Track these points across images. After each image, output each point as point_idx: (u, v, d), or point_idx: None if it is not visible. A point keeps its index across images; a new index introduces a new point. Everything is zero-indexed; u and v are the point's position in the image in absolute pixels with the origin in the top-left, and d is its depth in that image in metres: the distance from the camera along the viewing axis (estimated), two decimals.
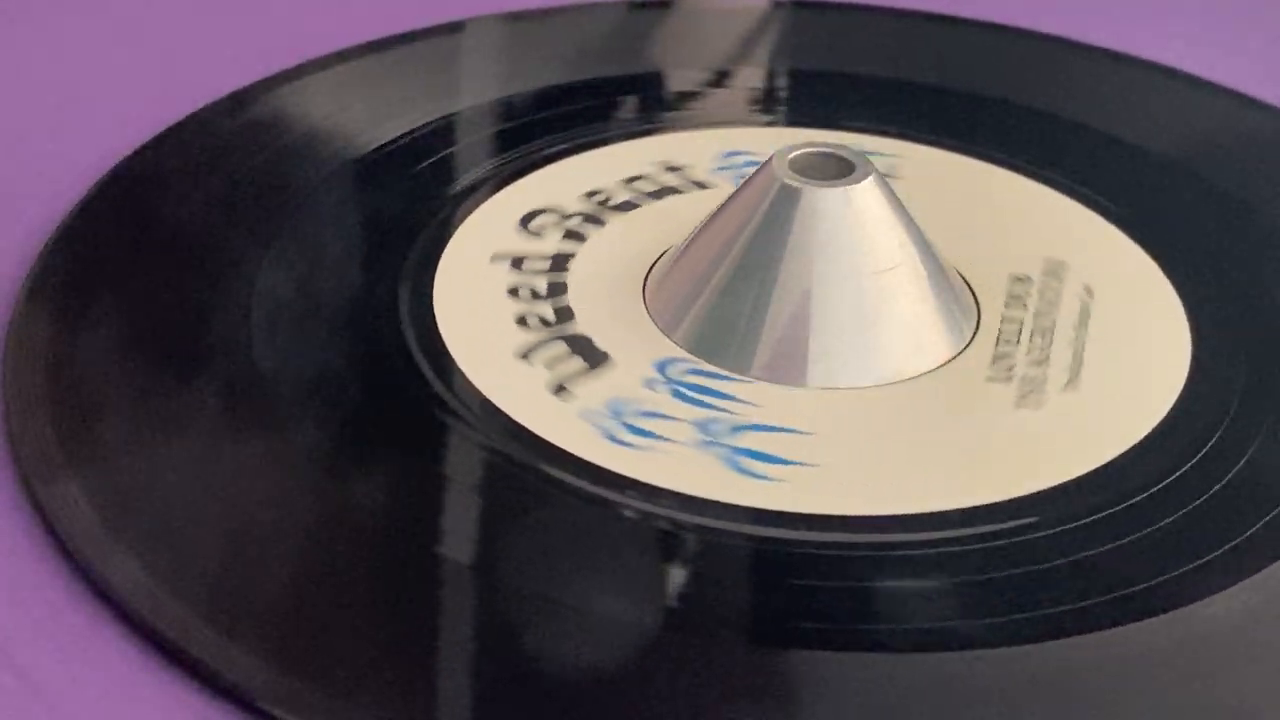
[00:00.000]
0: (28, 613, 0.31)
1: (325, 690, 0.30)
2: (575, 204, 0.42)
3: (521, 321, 0.38)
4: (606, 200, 0.42)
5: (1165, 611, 0.32)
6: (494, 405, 0.36)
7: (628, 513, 0.33)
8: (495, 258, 0.40)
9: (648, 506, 0.33)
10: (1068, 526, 0.33)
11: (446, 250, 0.40)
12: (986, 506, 0.34)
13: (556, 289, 0.39)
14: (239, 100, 0.46)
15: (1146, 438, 0.36)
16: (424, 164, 0.43)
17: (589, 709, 0.30)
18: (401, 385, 0.36)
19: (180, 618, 0.31)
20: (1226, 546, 0.33)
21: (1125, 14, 0.54)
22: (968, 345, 0.38)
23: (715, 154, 0.44)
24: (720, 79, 0.49)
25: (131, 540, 0.32)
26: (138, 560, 0.32)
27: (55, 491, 0.33)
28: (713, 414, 0.36)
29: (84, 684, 0.30)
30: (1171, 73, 0.49)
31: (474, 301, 0.39)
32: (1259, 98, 0.48)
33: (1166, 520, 0.34)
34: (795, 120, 0.47)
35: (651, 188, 0.43)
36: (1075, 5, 0.54)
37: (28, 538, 0.33)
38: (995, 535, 0.33)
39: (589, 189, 0.43)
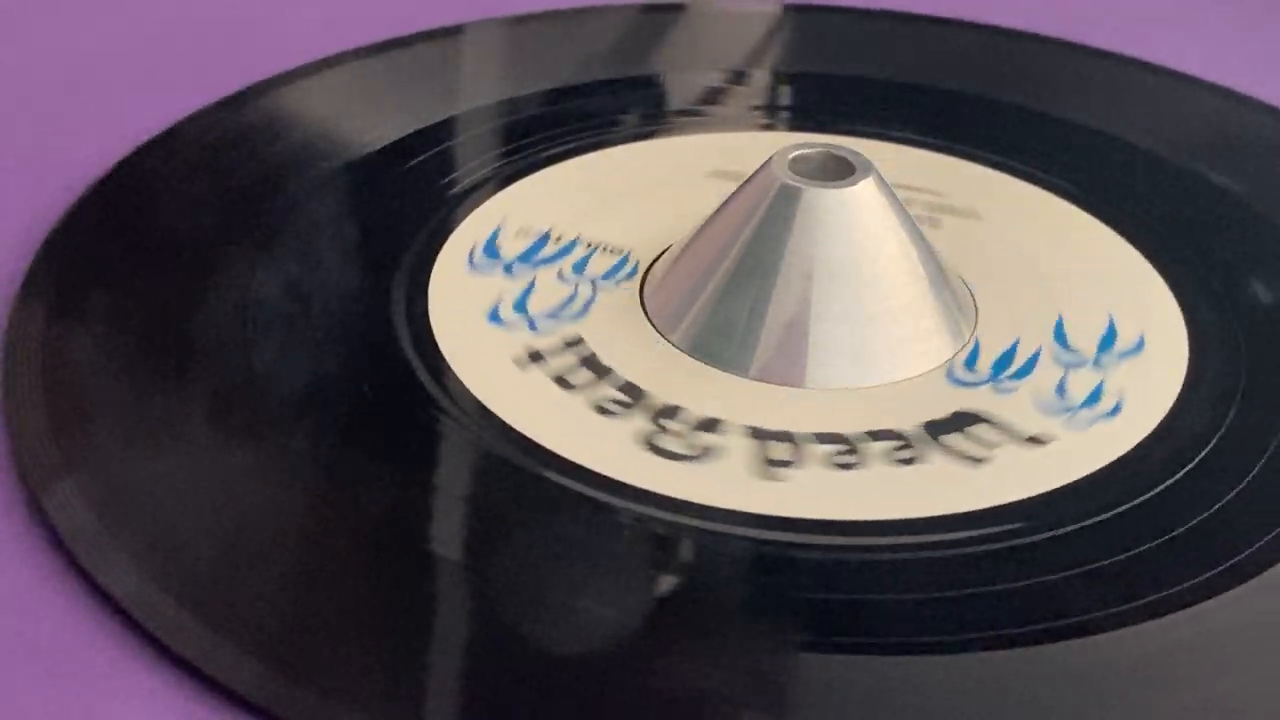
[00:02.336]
0: (25, 612, 0.31)
1: (321, 691, 0.30)
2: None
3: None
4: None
5: (1165, 613, 0.32)
6: (488, 409, 0.35)
7: (623, 516, 0.33)
8: (493, 261, 0.40)
9: (644, 510, 0.33)
10: (1066, 530, 0.33)
11: (441, 254, 0.40)
12: (986, 510, 0.34)
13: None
14: (237, 102, 0.46)
15: (1144, 440, 0.36)
16: (421, 168, 0.43)
17: (583, 712, 0.30)
18: (396, 388, 0.36)
19: (177, 618, 0.31)
20: (1226, 548, 0.33)
21: (1125, 14, 0.54)
22: (966, 345, 0.38)
23: None
24: (719, 81, 0.49)
25: (128, 541, 0.32)
26: (134, 561, 0.32)
27: (52, 492, 0.33)
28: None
29: (81, 684, 0.30)
30: (1171, 73, 0.49)
31: (469, 305, 0.39)
32: (1259, 98, 0.48)
33: (1166, 523, 0.34)
34: (797, 124, 0.47)
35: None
36: (1075, 7, 0.54)
37: (25, 539, 0.33)
38: (994, 538, 0.33)
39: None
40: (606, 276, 0.39)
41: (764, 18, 0.52)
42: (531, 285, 0.39)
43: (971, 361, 0.38)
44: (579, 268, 0.39)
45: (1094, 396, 0.37)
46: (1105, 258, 0.41)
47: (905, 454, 0.35)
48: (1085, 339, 0.38)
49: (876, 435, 0.35)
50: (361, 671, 0.30)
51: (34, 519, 0.33)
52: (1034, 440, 0.36)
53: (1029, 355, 0.38)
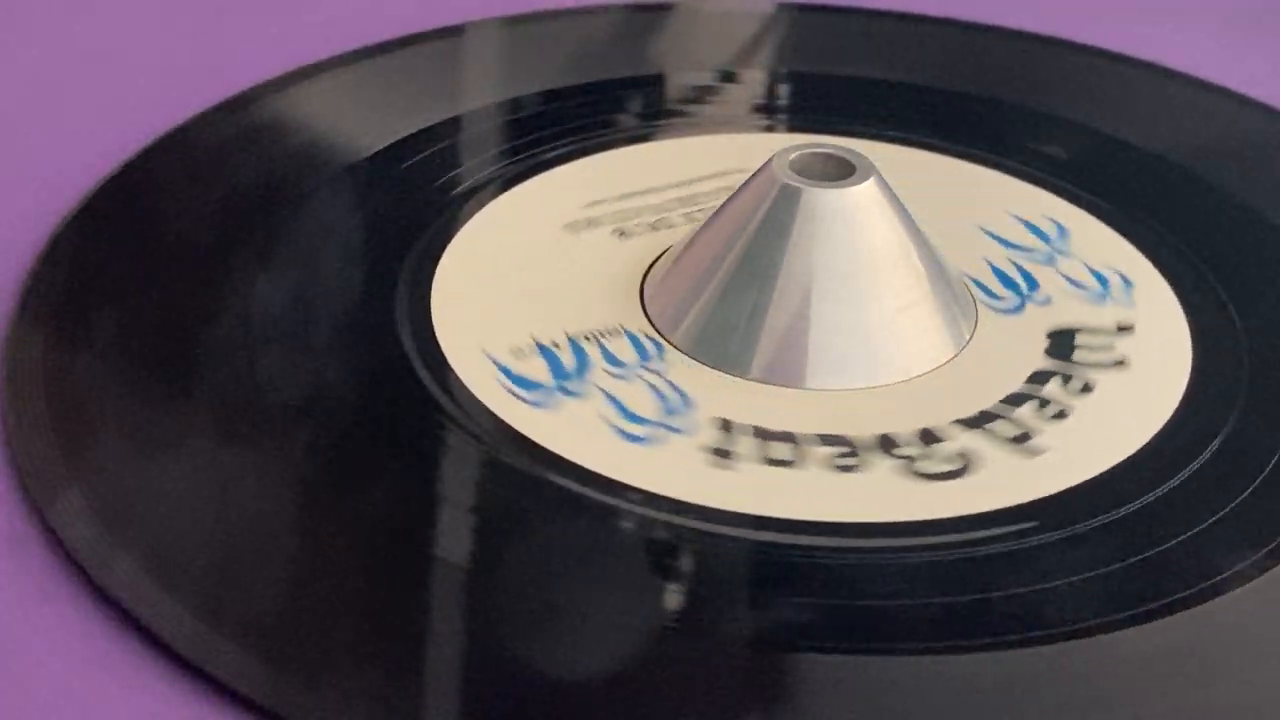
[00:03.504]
0: (30, 618, 0.31)
1: (324, 694, 0.30)
2: (576, 206, 0.42)
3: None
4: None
5: (1166, 614, 0.32)
6: (491, 411, 0.36)
7: (625, 518, 0.33)
8: (495, 262, 0.40)
9: (646, 511, 0.33)
10: (1069, 532, 0.33)
11: (444, 256, 0.40)
12: (987, 512, 0.34)
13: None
14: (239, 104, 0.46)
15: (1148, 443, 0.36)
16: (424, 169, 0.43)
17: (583, 713, 0.30)
18: (399, 391, 0.36)
19: (181, 623, 0.31)
20: (1228, 549, 0.33)
21: (1125, 14, 0.54)
22: (967, 346, 0.38)
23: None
24: (722, 82, 0.49)
25: (132, 546, 0.32)
26: (138, 565, 0.32)
27: (56, 498, 0.33)
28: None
29: (86, 688, 0.30)
30: (1171, 73, 0.49)
31: (472, 306, 0.39)
32: (1259, 98, 0.48)
33: (1167, 524, 0.34)
34: (795, 124, 0.47)
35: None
36: (1075, 7, 0.54)
37: (29, 544, 0.33)
38: (996, 540, 0.33)
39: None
40: (645, 359, 0.38)
41: (764, 18, 0.52)
42: (615, 400, 0.37)
43: (969, 361, 0.38)
44: (614, 361, 0.38)
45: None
46: (1107, 257, 0.41)
47: (906, 455, 0.35)
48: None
49: (878, 436, 0.35)
50: (363, 674, 0.30)
51: (37, 524, 0.33)
52: (1036, 443, 0.36)
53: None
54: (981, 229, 0.42)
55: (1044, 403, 0.37)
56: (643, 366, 0.37)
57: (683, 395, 0.36)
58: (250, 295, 0.38)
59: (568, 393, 0.36)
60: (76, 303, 0.38)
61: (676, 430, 0.35)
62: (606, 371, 0.37)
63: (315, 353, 0.37)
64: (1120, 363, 0.38)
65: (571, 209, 0.42)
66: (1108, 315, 0.39)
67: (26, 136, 0.45)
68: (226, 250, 0.40)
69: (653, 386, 0.36)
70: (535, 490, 0.34)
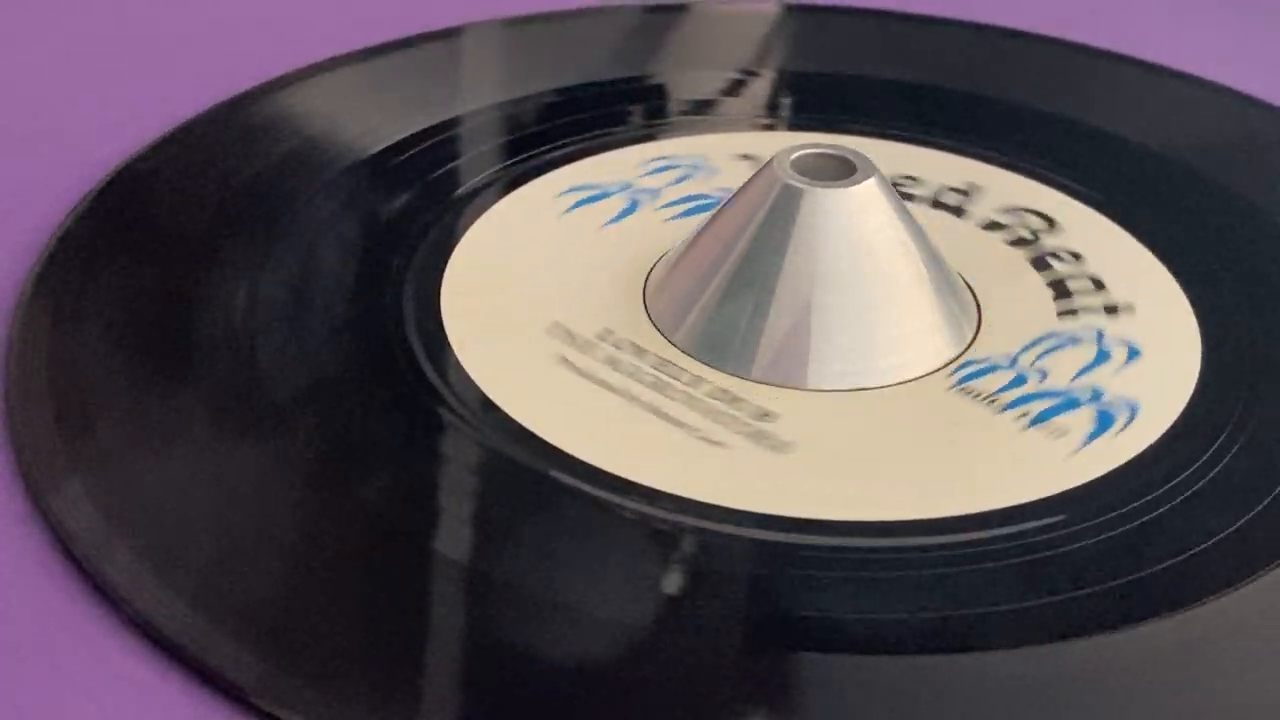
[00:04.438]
0: (28, 608, 0.31)
1: (324, 688, 0.30)
2: (577, 206, 0.42)
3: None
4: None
5: (1166, 613, 0.32)
6: (499, 407, 0.36)
7: (628, 514, 0.33)
8: (500, 262, 0.40)
9: (647, 509, 0.33)
10: (1072, 530, 0.33)
11: (454, 254, 0.40)
12: (989, 511, 0.34)
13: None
14: (241, 104, 0.46)
15: (1155, 443, 0.36)
16: (428, 168, 0.43)
17: (583, 709, 0.30)
18: (406, 388, 0.36)
19: (181, 616, 0.31)
20: (1229, 549, 0.33)
21: (1125, 14, 0.54)
22: (969, 346, 0.38)
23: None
24: (725, 83, 0.49)
25: (132, 539, 0.32)
26: (139, 559, 0.32)
27: (57, 491, 0.33)
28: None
29: (85, 681, 0.30)
30: (1171, 73, 0.49)
31: (481, 306, 0.39)
32: (1259, 98, 0.48)
33: (1168, 524, 0.34)
34: (798, 124, 0.47)
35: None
36: (1076, 7, 0.54)
37: (30, 537, 0.33)
38: (998, 539, 0.33)
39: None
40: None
41: (764, 18, 0.52)
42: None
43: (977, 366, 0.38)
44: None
45: (1097, 397, 0.37)
46: (1111, 255, 0.41)
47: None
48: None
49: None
50: (364, 669, 0.30)
51: (37, 518, 0.33)
52: (1039, 443, 0.36)
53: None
54: (979, 226, 0.42)
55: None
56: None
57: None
58: (252, 294, 0.38)
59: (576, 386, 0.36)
60: (80, 298, 0.38)
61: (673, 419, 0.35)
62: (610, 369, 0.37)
63: (318, 348, 0.37)
64: (1116, 309, 0.38)
65: (573, 209, 0.42)
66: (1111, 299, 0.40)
67: (29, 135, 0.45)
68: (228, 249, 0.40)
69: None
70: (538, 485, 0.34)
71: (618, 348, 0.38)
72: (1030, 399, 0.37)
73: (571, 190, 0.43)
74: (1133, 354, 0.38)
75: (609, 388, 0.36)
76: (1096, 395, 0.37)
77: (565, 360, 0.37)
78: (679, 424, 0.35)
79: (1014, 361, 0.38)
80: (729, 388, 0.36)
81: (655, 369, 0.37)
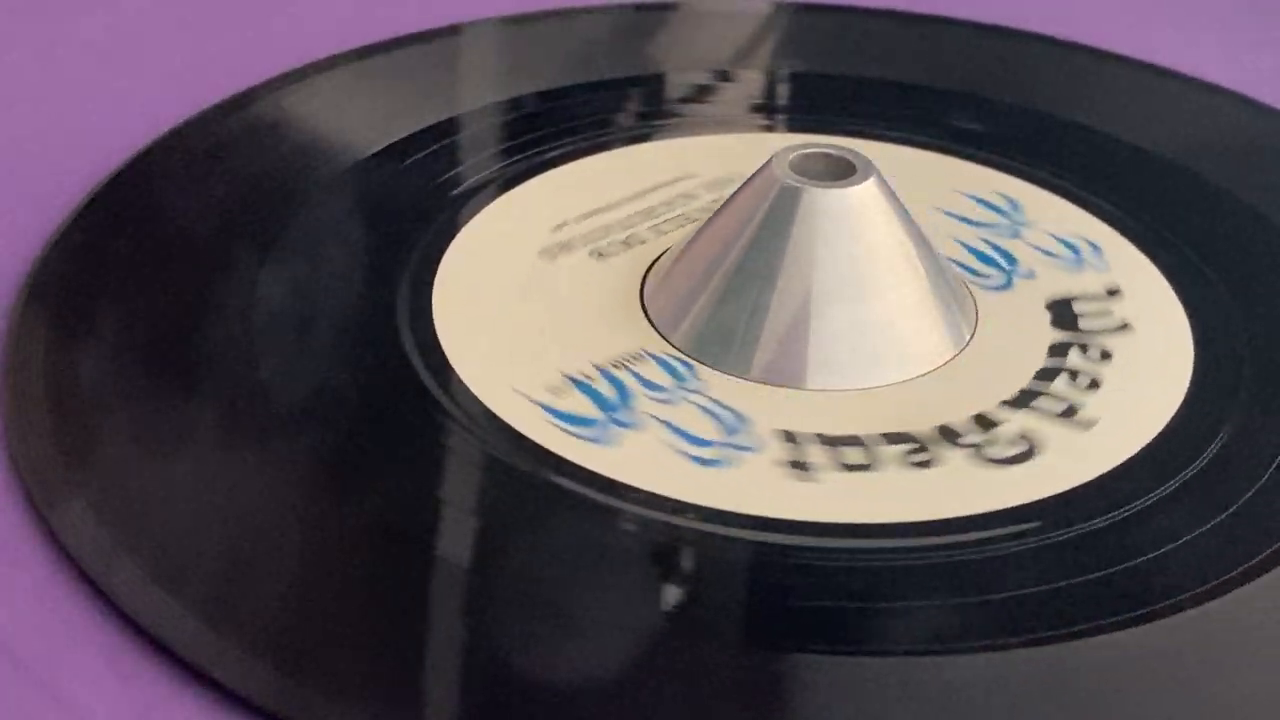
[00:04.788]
0: (33, 620, 0.31)
1: (328, 695, 0.30)
2: (576, 206, 0.42)
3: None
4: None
5: (1166, 614, 0.32)
6: (492, 412, 0.35)
7: (625, 519, 0.33)
8: (495, 261, 0.40)
9: (646, 513, 0.33)
10: (1069, 532, 0.33)
11: (446, 256, 0.40)
12: (988, 513, 0.34)
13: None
14: (238, 104, 0.46)
15: (1149, 443, 0.36)
16: (425, 168, 0.43)
17: (586, 712, 0.30)
18: (401, 392, 0.36)
19: (185, 625, 0.31)
20: (1229, 549, 0.33)
21: (1125, 14, 0.54)
22: (967, 346, 0.38)
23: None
24: (722, 82, 0.49)
25: (134, 546, 0.32)
26: (141, 567, 0.32)
27: (58, 499, 0.33)
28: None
29: (89, 691, 0.30)
30: (1171, 73, 0.49)
31: (474, 307, 0.39)
32: (1259, 98, 0.48)
33: (1168, 524, 0.34)
34: (797, 124, 0.47)
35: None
36: (1075, 7, 0.54)
37: (32, 546, 0.33)
38: (996, 541, 0.33)
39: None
40: (681, 383, 0.38)
41: (764, 18, 0.52)
42: (673, 425, 0.36)
43: (969, 362, 0.38)
44: (654, 388, 0.37)
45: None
46: (1107, 257, 0.41)
47: (911, 456, 0.35)
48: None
49: (884, 437, 0.35)
50: (367, 676, 0.30)
51: (38, 523, 0.33)
52: (1039, 443, 0.36)
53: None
54: (984, 228, 0.42)
55: (1075, 374, 0.37)
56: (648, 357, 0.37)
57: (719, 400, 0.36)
58: (255, 294, 0.38)
59: (577, 384, 0.36)
60: (78, 303, 0.38)
61: (624, 425, 0.35)
62: (610, 364, 0.37)
63: (318, 354, 0.37)
64: (1124, 327, 0.38)
65: (572, 209, 0.42)
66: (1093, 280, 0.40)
67: (29, 135, 0.45)
68: (228, 250, 0.40)
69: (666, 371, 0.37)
70: (537, 491, 0.34)
71: (617, 349, 0.38)
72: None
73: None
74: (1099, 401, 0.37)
75: (608, 389, 0.36)
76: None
77: (564, 361, 0.37)
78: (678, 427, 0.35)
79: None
80: (729, 390, 0.36)
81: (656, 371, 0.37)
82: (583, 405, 0.36)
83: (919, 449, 0.35)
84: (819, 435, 0.35)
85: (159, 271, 0.40)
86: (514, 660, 0.31)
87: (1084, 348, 0.38)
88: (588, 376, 0.37)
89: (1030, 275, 0.40)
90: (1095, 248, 0.41)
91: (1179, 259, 0.41)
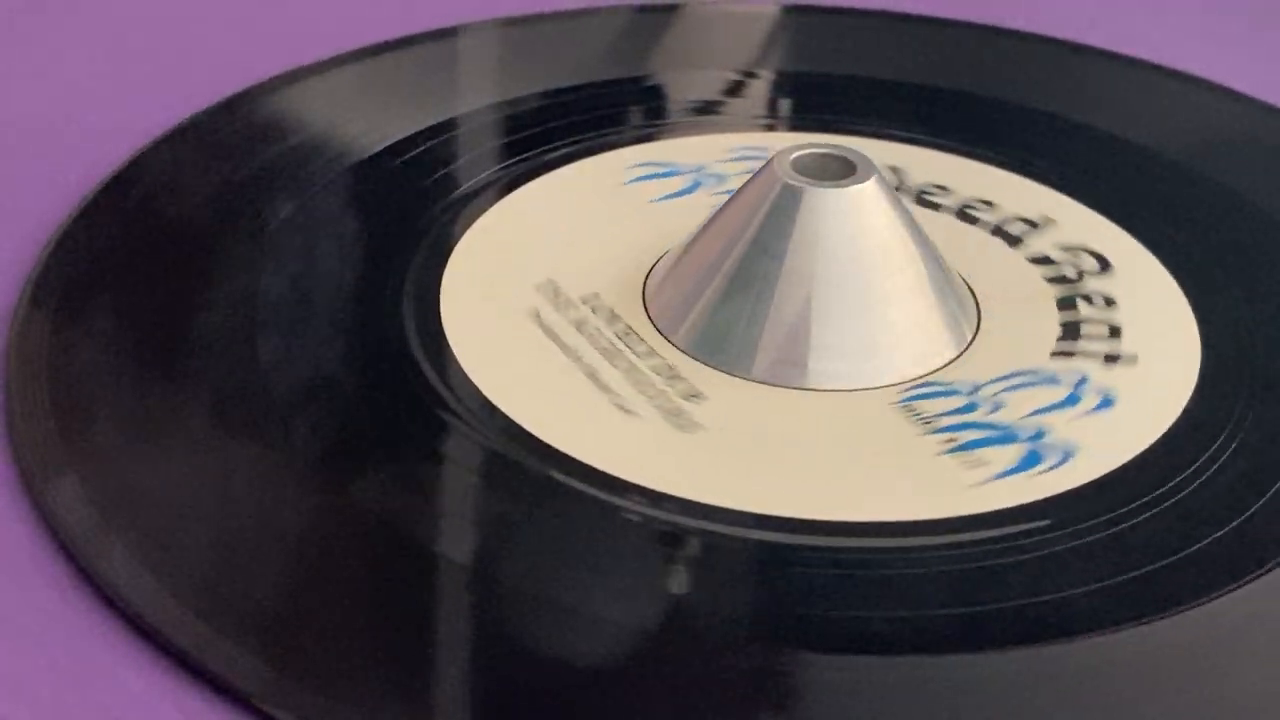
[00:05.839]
0: (24, 606, 0.31)
1: (321, 689, 0.30)
2: (577, 206, 0.42)
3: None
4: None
5: (1166, 613, 0.32)
6: (498, 409, 0.35)
7: (629, 515, 0.33)
8: (499, 261, 0.40)
9: (649, 510, 0.33)
10: (1070, 530, 0.33)
11: (449, 258, 0.40)
12: (990, 512, 0.34)
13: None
14: (239, 104, 0.46)
15: (1155, 442, 0.36)
16: (425, 169, 0.43)
17: (584, 710, 0.30)
18: (406, 388, 0.36)
19: (179, 617, 0.31)
20: (1228, 549, 0.33)
21: (1125, 14, 0.54)
22: (969, 346, 0.38)
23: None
24: (723, 83, 0.49)
25: (130, 539, 0.32)
26: (137, 559, 0.32)
27: (55, 490, 0.33)
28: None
29: (77, 676, 0.30)
30: (1171, 73, 0.49)
31: (480, 307, 0.39)
32: (1259, 98, 0.48)
33: (1168, 524, 0.34)
34: (797, 124, 0.47)
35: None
36: (1075, 6, 0.54)
37: (28, 536, 0.33)
38: (998, 539, 0.33)
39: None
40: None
41: (764, 18, 0.52)
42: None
43: (971, 362, 0.38)
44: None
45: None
46: (1110, 255, 0.41)
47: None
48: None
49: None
50: (362, 669, 0.30)
51: (35, 517, 0.33)
52: (1131, 354, 0.36)
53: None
54: (985, 229, 0.42)
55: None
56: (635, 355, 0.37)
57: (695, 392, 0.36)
58: (251, 293, 0.38)
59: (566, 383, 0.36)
60: (80, 298, 0.38)
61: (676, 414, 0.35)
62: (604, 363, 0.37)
63: (317, 348, 0.37)
64: (1127, 363, 0.38)
65: (572, 208, 0.42)
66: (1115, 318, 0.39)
67: (30, 134, 0.45)
68: (227, 248, 0.40)
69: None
70: (539, 486, 0.34)
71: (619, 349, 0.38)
72: (965, 428, 0.36)
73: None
74: (1105, 403, 0.37)
75: (610, 388, 0.36)
76: (1038, 435, 0.36)
77: (565, 360, 0.37)
78: (678, 426, 0.35)
79: (976, 389, 0.37)
80: (731, 389, 0.36)
81: (656, 370, 0.37)
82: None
83: (910, 447, 0.35)
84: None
85: (160, 267, 0.40)
86: (506, 652, 0.31)
87: (1087, 352, 0.38)
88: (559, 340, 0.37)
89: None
90: (1101, 258, 0.41)
91: (1182, 257, 0.41)
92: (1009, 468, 0.35)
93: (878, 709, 0.30)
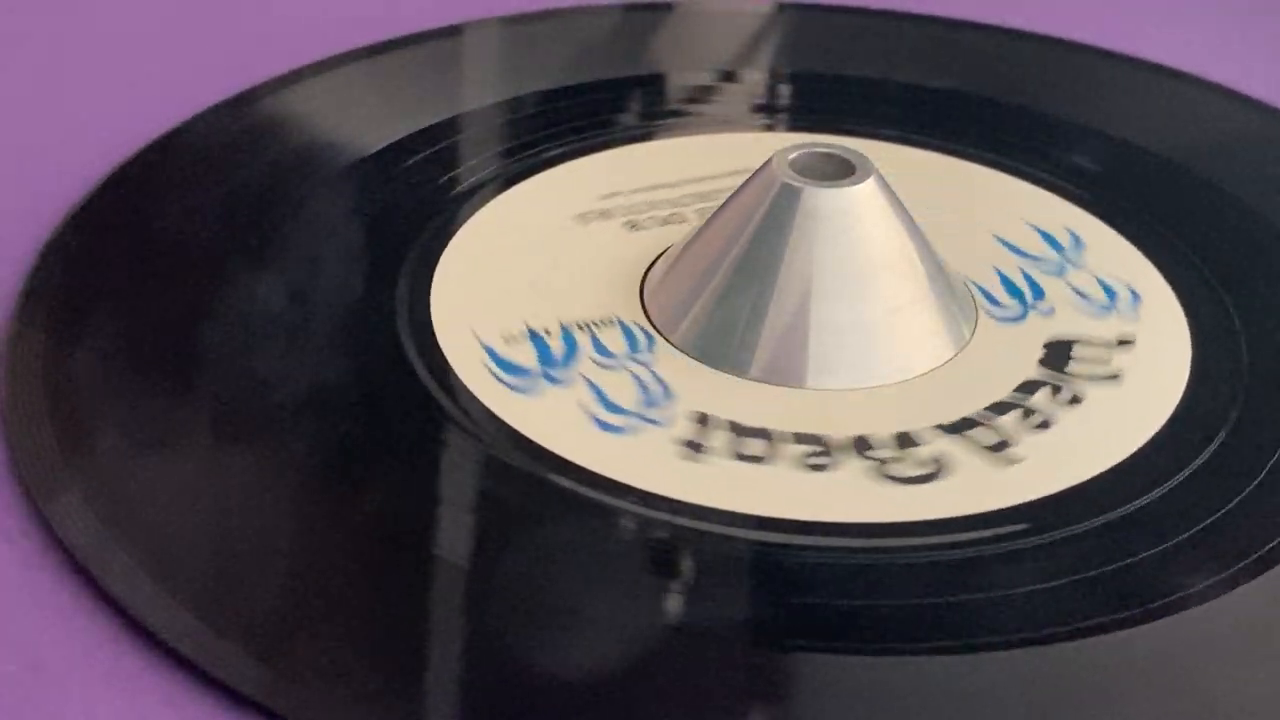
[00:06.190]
0: (28, 617, 0.31)
1: (324, 694, 0.30)
2: (574, 205, 0.42)
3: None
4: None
5: (1166, 613, 0.32)
6: (490, 411, 0.35)
7: (626, 519, 0.33)
8: (494, 260, 0.40)
9: (644, 511, 0.33)
10: (1068, 531, 0.33)
11: (445, 255, 0.40)
12: (988, 513, 0.34)
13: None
14: (239, 104, 0.46)
15: (1148, 442, 0.36)
16: (424, 168, 0.43)
17: (582, 713, 0.30)
18: (398, 390, 0.36)
19: (181, 622, 0.31)
20: (1228, 549, 0.33)
21: (1125, 14, 0.54)
22: (967, 345, 0.38)
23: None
24: (721, 81, 0.49)
25: (130, 545, 0.32)
26: (137, 564, 0.32)
27: (56, 497, 0.33)
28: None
29: (83, 686, 0.30)
30: (1171, 73, 0.49)
31: (471, 306, 0.39)
32: (1259, 98, 0.48)
33: (1167, 523, 0.34)
34: (795, 123, 0.47)
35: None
36: (1075, 6, 0.54)
37: (29, 543, 0.33)
38: (995, 540, 0.33)
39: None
40: (635, 351, 0.38)
41: (764, 17, 0.52)
42: (597, 389, 0.37)
43: (969, 361, 0.38)
44: (603, 351, 0.38)
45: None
46: (1106, 257, 0.41)
47: (878, 458, 0.35)
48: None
49: (853, 438, 0.35)
50: (364, 675, 0.30)
51: (36, 523, 0.33)
52: (1013, 452, 0.35)
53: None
54: (986, 231, 0.42)
55: (1029, 412, 0.36)
56: (631, 358, 0.37)
57: (665, 387, 0.36)
58: (250, 294, 0.38)
59: (552, 380, 0.36)
60: (77, 301, 0.38)
61: (653, 422, 0.35)
62: (593, 360, 0.37)
63: (314, 352, 0.37)
64: (1114, 377, 0.38)
65: (570, 207, 0.42)
66: (1110, 328, 0.39)
67: (27, 135, 0.45)
68: (226, 249, 0.40)
69: (636, 377, 0.36)
70: (535, 491, 0.34)
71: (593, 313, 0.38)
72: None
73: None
74: (1097, 404, 0.37)
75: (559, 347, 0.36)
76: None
77: (532, 316, 0.37)
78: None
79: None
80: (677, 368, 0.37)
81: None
82: (526, 356, 0.37)
83: (879, 449, 0.35)
84: (731, 423, 0.35)
85: (158, 270, 0.40)
86: (507, 656, 0.31)
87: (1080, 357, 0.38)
88: (547, 331, 0.37)
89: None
90: (1077, 241, 0.41)
91: (1179, 260, 0.41)
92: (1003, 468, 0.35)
93: (876, 710, 0.30)
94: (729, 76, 0.49)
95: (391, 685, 0.30)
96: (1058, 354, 0.38)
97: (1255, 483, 0.35)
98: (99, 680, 0.30)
